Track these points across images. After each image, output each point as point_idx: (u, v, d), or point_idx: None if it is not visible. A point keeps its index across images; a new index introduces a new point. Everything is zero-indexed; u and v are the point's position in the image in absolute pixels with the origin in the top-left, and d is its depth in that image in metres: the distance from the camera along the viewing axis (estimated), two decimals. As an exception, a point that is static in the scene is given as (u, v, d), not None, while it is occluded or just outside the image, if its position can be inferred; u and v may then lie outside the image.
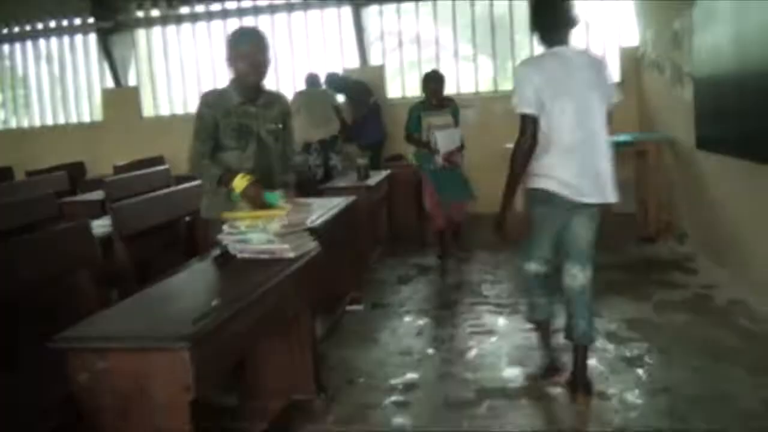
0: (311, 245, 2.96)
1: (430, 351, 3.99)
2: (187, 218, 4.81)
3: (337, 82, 7.99)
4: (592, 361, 3.54)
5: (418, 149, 5.96)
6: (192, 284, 2.56)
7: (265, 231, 2.78)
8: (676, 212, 6.40)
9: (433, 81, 5.83)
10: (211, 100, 3.18)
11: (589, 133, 3.02)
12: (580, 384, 3.19)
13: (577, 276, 3.27)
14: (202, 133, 3.14)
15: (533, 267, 3.35)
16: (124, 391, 1.97)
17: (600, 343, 3.85)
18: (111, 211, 3.98)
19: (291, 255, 2.78)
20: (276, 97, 3.39)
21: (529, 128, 3.00)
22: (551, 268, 3.38)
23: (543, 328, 3.47)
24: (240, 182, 2.97)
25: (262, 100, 3.26)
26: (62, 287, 3.18)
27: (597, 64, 3.18)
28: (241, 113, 3.20)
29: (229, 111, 3.17)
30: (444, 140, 5.72)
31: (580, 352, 3.23)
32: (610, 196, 3.16)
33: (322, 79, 7.99)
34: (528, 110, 2.99)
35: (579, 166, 3.03)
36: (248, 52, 3.12)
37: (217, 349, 2.07)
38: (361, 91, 7.92)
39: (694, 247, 5.75)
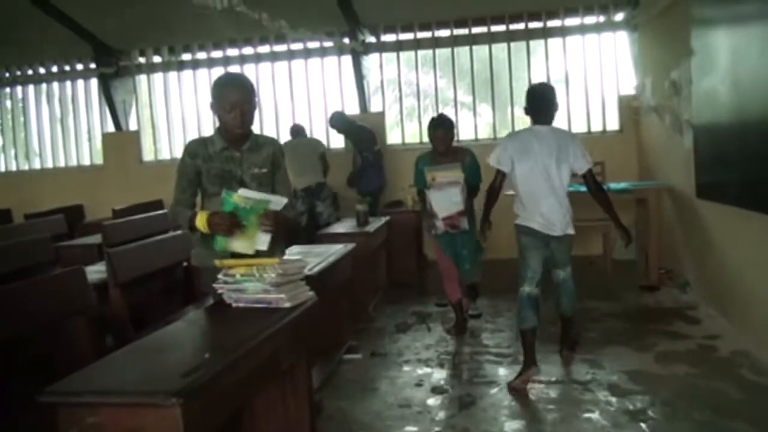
0: (308, 294, 2.92)
1: (430, 402, 3.90)
2: (185, 264, 4.77)
3: (341, 123, 7.96)
4: (594, 415, 3.50)
5: (423, 209, 5.25)
6: (186, 335, 2.51)
7: (260, 279, 2.74)
8: (678, 260, 6.36)
9: (439, 127, 5.07)
10: (192, 149, 3.23)
11: (548, 187, 4.12)
12: (566, 344, 4.58)
13: (560, 274, 4.45)
14: (182, 181, 3.26)
15: (527, 289, 4.22)
16: (114, 447, 1.91)
17: (602, 395, 3.80)
18: (107, 256, 3.94)
19: (287, 304, 2.73)
20: (264, 141, 3.37)
21: (498, 178, 4.31)
22: (539, 291, 4.24)
23: (529, 334, 4.16)
24: (201, 219, 3.07)
25: (248, 145, 3.25)
26: (57, 334, 3.13)
27: (564, 140, 4.24)
28: (224, 159, 3.22)
29: (211, 157, 3.19)
30: (440, 202, 4.98)
31: (565, 322, 4.62)
32: (569, 230, 4.29)
33: (326, 118, 8.07)
34: (498, 166, 4.24)
35: (545, 210, 4.13)
36: (233, 100, 3.11)
37: (210, 403, 2.01)
38: (367, 138, 7.89)
39: (697, 296, 5.70)
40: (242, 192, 3.10)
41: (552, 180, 4.12)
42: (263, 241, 3.06)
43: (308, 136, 8.20)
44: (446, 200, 4.93)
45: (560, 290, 4.50)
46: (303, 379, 3.10)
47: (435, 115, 5.33)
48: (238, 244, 3.07)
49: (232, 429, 3.04)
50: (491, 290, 6.14)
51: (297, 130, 7.99)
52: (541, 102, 4.27)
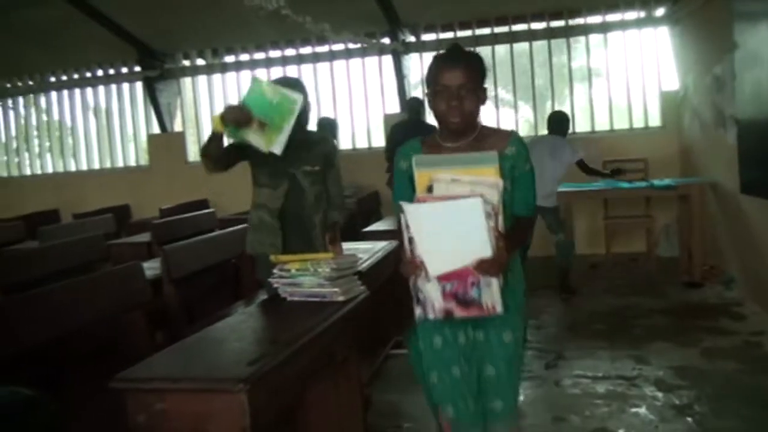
0: (360, 289, 2.99)
1: (475, 396, 3.95)
2: (233, 260, 4.88)
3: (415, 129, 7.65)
4: (641, 410, 3.54)
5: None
6: (246, 326, 2.60)
7: (315, 274, 2.82)
8: (722, 256, 6.32)
9: (453, 65, 2.27)
10: None
11: (540, 174, 4.36)
12: (562, 289, 6.12)
13: (555, 237, 6.08)
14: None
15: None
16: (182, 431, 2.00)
17: (649, 390, 3.82)
18: (162, 253, 4.05)
19: (341, 298, 2.81)
20: (318, 139, 3.46)
21: None
22: None
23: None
24: (215, 118, 3.15)
25: (302, 142, 3.34)
26: (116, 327, 3.25)
27: (555, 144, 6.21)
28: (276, 154, 3.29)
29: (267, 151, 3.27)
30: (436, 241, 2.18)
31: (560, 271, 6.17)
32: (545, 203, 5.76)
33: (367, 118, 8.02)
34: None
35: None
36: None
37: (272, 390, 2.10)
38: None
39: (742, 292, 5.67)
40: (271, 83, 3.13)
41: (545, 169, 5.74)
42: (280, 142, 3.09)
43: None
44: (452, 235, 2.15)
45: (556, 249, 6.14)
46: (354, 373, 3.18)
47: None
48: (253, 137, 3.11)
49: (287, 421, 3.13)
50: (534, 287, 6.15)
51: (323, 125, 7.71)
52: (551, 122, 6.48)
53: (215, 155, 3.24)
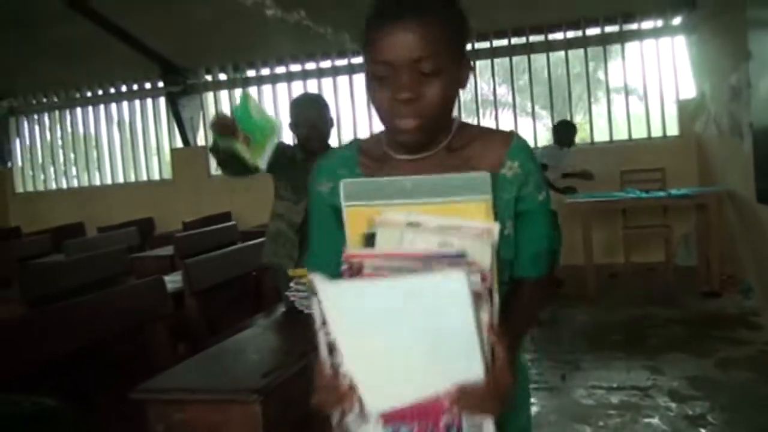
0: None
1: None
2: (254, 273, 4.98)
3: None
4: (654, 420, 3.58)
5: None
6: (262, 339, 2.69)
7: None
8: (740, 266, 6.32)
9: (391, 25, 1.20)
10: (280, 146, 3.24)
11: None
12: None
13: None
14: None
15: None
16: (199, 441, 2.09)
17: (662, 400, 3.85)
18: (183, 267, 4.16)
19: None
20: None
21: None
22: None
23: None
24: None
25: None
26: (139, 339, 3.35)
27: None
28: (301, 168, 3.32)
29: (292, 162, 3.34)
30: (380, 359, 1.04)
31: None
32: None
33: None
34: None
35: None
36: (307, 117, 3.28)
37: (286, 401, 2.18)
38: None
39: (760, 302, 5.67)
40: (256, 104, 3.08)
41: None
42: (264, 160, 3.04)
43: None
44: (410, 340, 1.00)
45: None
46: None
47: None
48: (240, 148, 3.05)
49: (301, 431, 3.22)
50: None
51: None
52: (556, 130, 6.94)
53: (219, 159, 3.25)
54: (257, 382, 2.08)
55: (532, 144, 8.51)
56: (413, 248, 1.08)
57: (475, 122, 8.23)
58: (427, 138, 1.27)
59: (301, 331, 2.77)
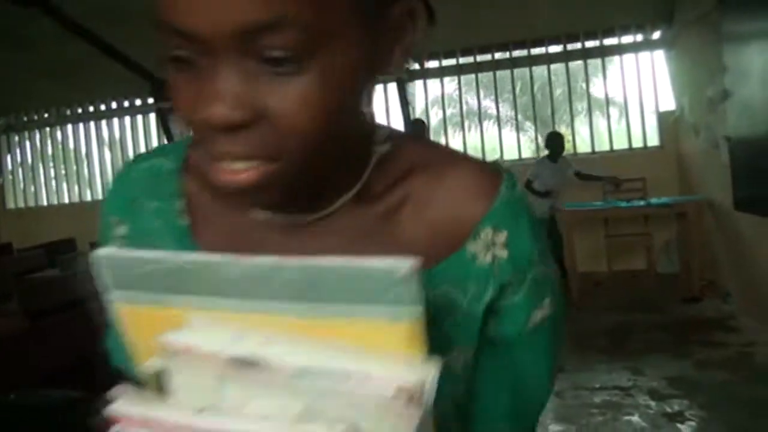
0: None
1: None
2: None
3: None
4: (634, 417, 3.74)
5: None
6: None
7: None
8: (719, 272, 6.51)
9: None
10: None
11: None
12: None
13: None
14: None
15: None
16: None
17: (642, 399, 4.02)
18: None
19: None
20: None
21: None
22: None
23: None
24: None
25: None
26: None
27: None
28: None
29: None
30: None
31: None
32: None
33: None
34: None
35: None
36: None
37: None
38: None
39: (738, 306, 5.85)
40: None
41: None
42: None
43: None
44: None
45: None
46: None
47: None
48: None
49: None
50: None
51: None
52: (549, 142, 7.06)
53: None
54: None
55: (516, 156, 8.61)
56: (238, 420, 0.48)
57: (452, 141, 8.34)
58: (288, 198, 0.61)
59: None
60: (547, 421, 3.86)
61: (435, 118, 9.83)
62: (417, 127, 7.41)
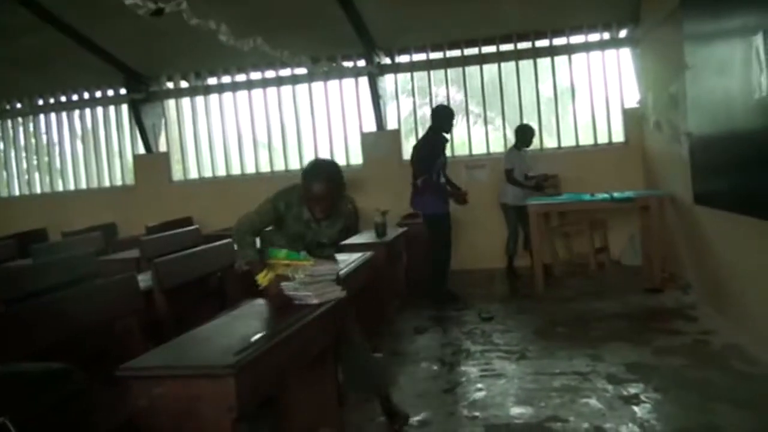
0: (338, 294, 3.34)
1: (444, 393, 4.31)
2: (219, 274, 5.20)
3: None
4: (592, 400, 3.90)
5: None
6: (230, 326, 2.93)
7: (293, 279, 3.19)
8: (680, 264, 6.71)
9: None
10: (288, 200, 3.45)
11: None
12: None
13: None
14: (264, 217, 3.43)
15: None
16: (178, 413, 2.33)
17: (600, 384, 4.18)
18: (153, 266, 4.37)
19: (315, 301, 3.17)
20: (341, 215, 3.65)
21: None
22: None
23: None
24: (263, 279, 3.33)
25: (328, 221, 3.54)
26: (112, 333, 3.57)
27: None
28: (304, 224, 3.49)
29: (296, 216, 3.46)
30: None
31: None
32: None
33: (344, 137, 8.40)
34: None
35: None
36: (315, 193, 3.40)
37: (256, 377, 2.44)
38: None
39: (697, 296, 6.05)
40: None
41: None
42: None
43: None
44: None
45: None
46: (331, 370, 3.52)
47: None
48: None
49: (269, 405, 3.47)
50: (503, 297, 6.54)
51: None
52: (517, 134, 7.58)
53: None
54: (230, 359, 2.34)
55: (484, 149, 8.75)
56: None
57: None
58: None
59: (266, 319, 3.05)
60: (507, 403, 4.01)
61: (405, 112, 9.91)
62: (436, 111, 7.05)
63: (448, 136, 6.89)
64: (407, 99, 10.01)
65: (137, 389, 2.37)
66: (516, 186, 7.51)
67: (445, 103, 8.21)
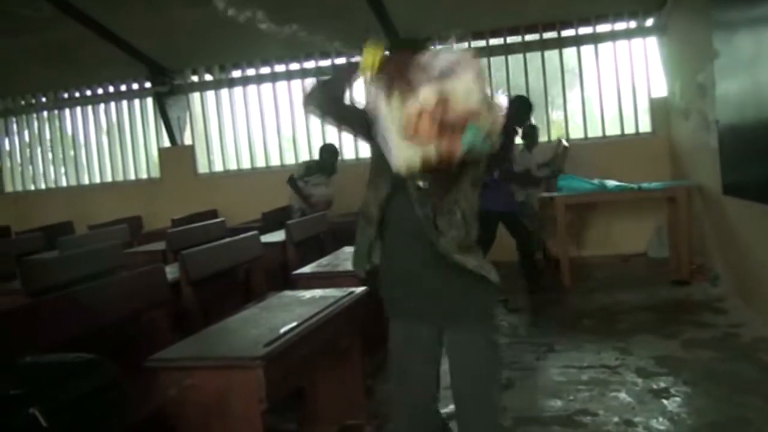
0: (358, 290, 3.33)
1: (471, 385, 4.29)
2: (245, 265, 5.21)
3: None
4: (621, 393, 3.87)
5: None
6: (258, 318, 2.93)
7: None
8: (709, 255, 6.63)
9: None
10: None
11: None
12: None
13: None
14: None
15: None
16: (207, 403, 2.34)
17: (629, 377, 4.13)
18: (180, 257, 4.38)
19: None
20: None
21: None
22: None
23: None
24: (372, 60, 2.26)
25: None
26: (140, 325, 3.59)
27: None
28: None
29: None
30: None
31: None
32: None
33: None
34: None
35: None
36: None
37: (284, 368, 2.44)
38: None
39: (726, 289, 5.97)
40: None
41: None
42: None
43: None
44: None
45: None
46: (357, 362, 3.52)
47: None
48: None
49: (297, 397, 3.48)
50: (517, 290, 6.51)
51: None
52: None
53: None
54: (259, 350, 2.34)
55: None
56: None
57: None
58: None
59: (293, 311, 3.05)
60: (535, 396, 3.98)
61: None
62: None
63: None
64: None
65: (167, 380, 2.38)
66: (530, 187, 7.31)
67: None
